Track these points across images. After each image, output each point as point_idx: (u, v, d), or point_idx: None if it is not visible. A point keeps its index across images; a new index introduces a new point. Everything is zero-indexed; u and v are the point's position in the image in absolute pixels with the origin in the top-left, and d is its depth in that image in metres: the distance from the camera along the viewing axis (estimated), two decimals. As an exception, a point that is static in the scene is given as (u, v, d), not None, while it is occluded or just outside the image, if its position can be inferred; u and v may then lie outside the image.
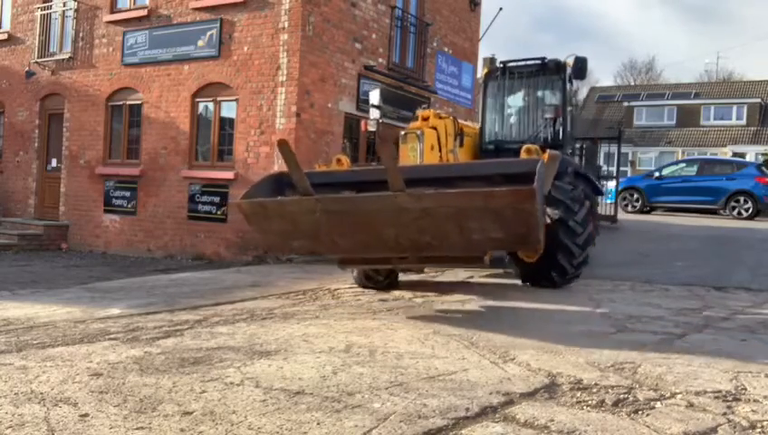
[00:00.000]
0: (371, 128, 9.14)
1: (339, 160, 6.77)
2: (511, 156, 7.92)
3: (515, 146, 8.23)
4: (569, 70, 8.52)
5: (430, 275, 8.36)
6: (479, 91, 9.71)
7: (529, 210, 4.68)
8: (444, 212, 4.78)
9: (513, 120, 9.04)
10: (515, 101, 8.99)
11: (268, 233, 5.45)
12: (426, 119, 7.65)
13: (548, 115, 8.56)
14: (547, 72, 8.67)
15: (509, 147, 8.40)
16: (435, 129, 7.61)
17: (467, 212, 4.75)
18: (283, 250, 6.01)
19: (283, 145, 4.86)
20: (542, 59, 8.64)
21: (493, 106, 9.01)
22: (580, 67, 8.46)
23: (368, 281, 7.24)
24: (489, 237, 4.92)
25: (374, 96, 9.40)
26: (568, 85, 8.69)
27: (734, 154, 32.08)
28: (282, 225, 5.24)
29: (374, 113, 9.38)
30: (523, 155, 6.19)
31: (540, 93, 8.84)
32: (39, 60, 14.90)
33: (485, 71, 8.95)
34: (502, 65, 8.85)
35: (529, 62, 8.75)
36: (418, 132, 7.35)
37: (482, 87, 9.02)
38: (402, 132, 7.43)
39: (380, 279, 7.21)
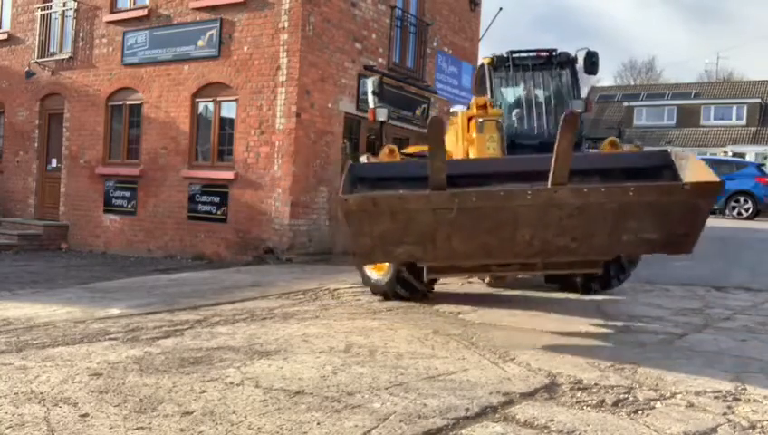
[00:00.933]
0: (381, 118, 8.36)
1: (392, 151, 6.04)
2: (528, 152, 7.41)
3: (533, 142, 7.81)
4: (580, 64, 8.04)
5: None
6: (478, 82, 8.94)
7: (706, 207, 4.29)
8: (604, 209, 4.25)
9: (525, 114, 8.22)
10: (526, 94, 8.30)
11: (367, 236, 4.50)
12: (483, 107, 6.72)
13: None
14: (558, 64, 8.12)
15: (527, 143, 7.72)
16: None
17: (632, 209, 4.24)
18: (377, 257, 4.94)
19: (436, 123, 4.09)
20: (553, 50, 8.14)
21: (501, 99, 8.25)
22: (593, 62, 7.97)
23: (402, 289, 6.38)
24: (641, 238, 4.44)
25: (372, 83, 8.65)
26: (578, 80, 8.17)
27: (734, 154, 32.06)
28: (391, 225, 4.39)
29: (373, 101, 8.61)
30: (608, 148, 5.74)
31: (551, 87, 8.26)
32: (39, 60, 14.89)
33: (489, 60, 8.16)
34: (508, 55, 8.15)
35: (541, 53, 8.16)
36: (499, 119, 6.54)
37: (487, 77, 8.14)
38: (480, 120, 6.54)
39: (418, 289, 6.41)
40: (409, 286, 6.38)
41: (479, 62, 9.46)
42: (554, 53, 8.11)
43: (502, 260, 4.96)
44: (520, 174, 4.84)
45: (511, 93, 8.32)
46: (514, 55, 8.14)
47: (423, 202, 4.28)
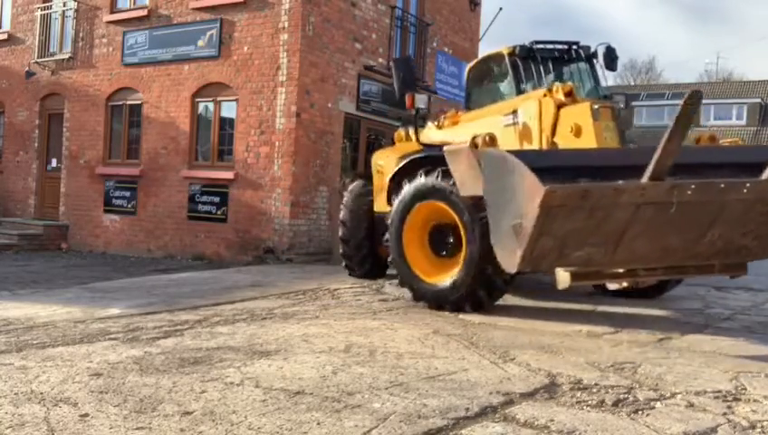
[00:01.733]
0: (420, 105, 7.44)
1: (492, 140, 5.46)
2: None
3: None
4: (600, 59, 7.74)
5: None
6: (473, 76, 8.17)
7: None
8: None
9: None
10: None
11: (551, 236, 3.81)
12: (569, 94, 6.13)
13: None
14: (579, 58, 7.78)
15: None
16: None
17: None
18: (547, 263, 4.20)
19: (697, 97, 3.50)
20: (575, 43, 7.79)
21: (519, 91, 7.55)
22: (613, 58, 7.65)
23: (480, 298, 5.79)
24: None
25: (397, 66, 7.86)
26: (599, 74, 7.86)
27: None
28: (584, 223, 3.76)
29: (399, 86, 7.82)
30: (706, 141, 5.48)
31: (572, 81, 7.71)
32: (39, 60, 14.89)
33: (508, 51, 7.59)
34: (531, 45, 7.65)
35: (565, 46, 7.81)
36: (616, 106, 6.05)
37: (509, 67, 7.55)
38: (596, 107, 6.00)
39: (495, 298, 5.96)
40: (490, 294, 5.84)
41: (480, 56, 9.04)
42: (576, 47, 7.81)
43: (676, 262, 4.46)
44: (634, 167, 4.29)
45: (530, 86, 7.69)
46: (537, 46, 7.66)
47: (635, 195, 3.70)
